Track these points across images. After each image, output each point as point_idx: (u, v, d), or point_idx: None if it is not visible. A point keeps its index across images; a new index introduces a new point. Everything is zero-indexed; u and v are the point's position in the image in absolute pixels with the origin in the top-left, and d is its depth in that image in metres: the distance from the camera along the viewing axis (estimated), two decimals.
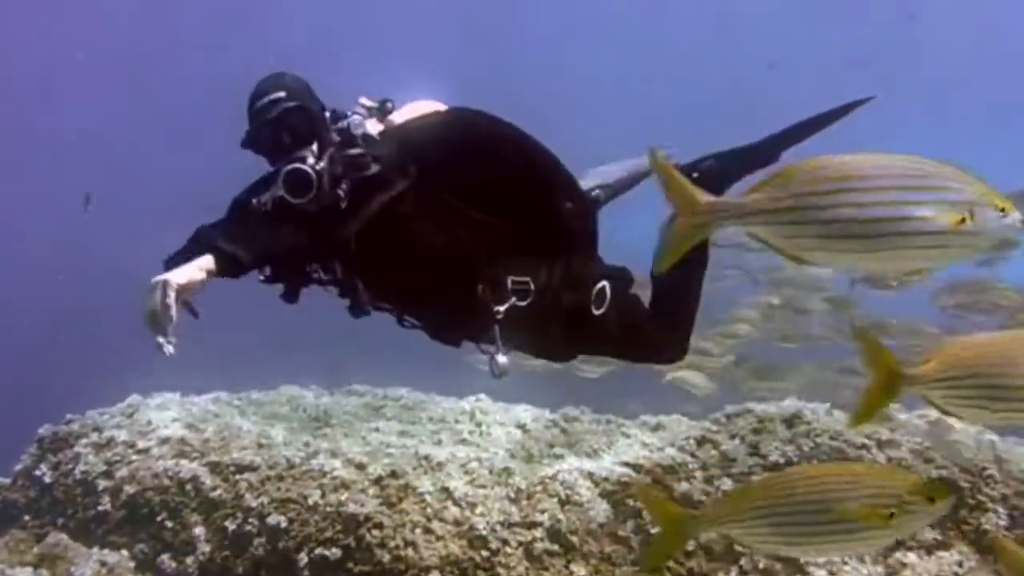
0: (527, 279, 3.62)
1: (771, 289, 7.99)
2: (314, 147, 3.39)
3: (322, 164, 3.34)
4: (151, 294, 2.86)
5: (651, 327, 4.00)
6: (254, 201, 3.38)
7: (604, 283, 3.75)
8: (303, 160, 3.33)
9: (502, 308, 3.56)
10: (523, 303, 3.58)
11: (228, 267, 3.18)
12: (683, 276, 3.95)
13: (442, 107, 3.85)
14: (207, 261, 3.09)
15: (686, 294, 4.09)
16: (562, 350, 4.07)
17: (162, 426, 5.52)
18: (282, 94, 3.42)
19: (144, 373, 6.03)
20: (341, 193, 3.35)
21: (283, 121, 3.39)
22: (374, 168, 3.40)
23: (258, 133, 3.40)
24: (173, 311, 2.84)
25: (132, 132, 23.21)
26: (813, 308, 7.47)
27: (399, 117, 3.66)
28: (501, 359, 3.62)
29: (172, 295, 2.85)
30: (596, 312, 3.72)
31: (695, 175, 4.10)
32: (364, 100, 3.60)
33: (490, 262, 3.59)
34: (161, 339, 2.80)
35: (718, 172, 4.13)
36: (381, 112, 3.59)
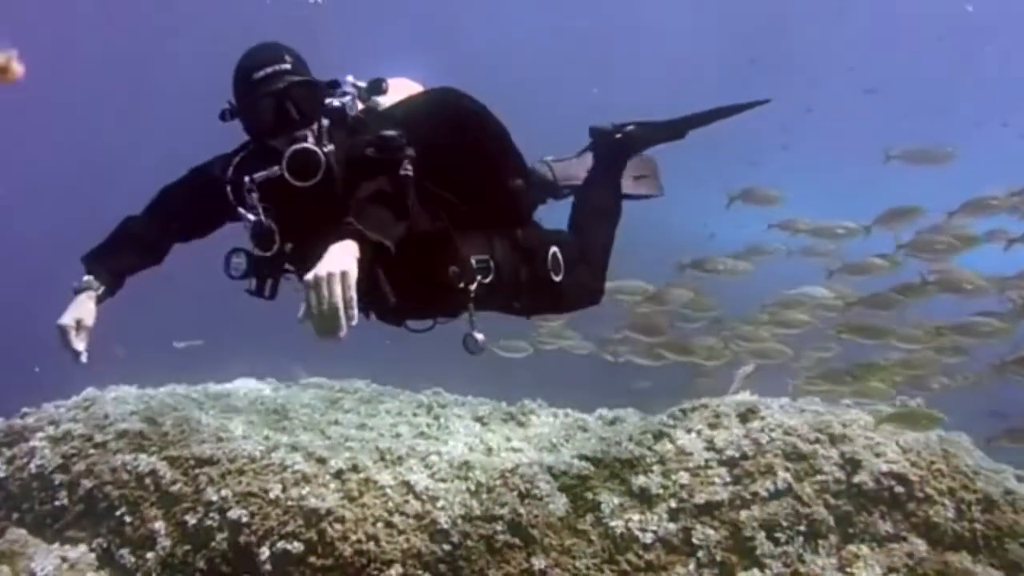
0: (487, 256, 3.73)
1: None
2: (315, 126, 3.40)
3: (329, 147, 3.35)
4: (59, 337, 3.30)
5: (586, 278, 4.25)
6: (247, 179, 3.36)
7: (554, 249, 3.91)
8: (304, 140, 3.34)
9: (473, 286, 3.67)
10: (486, 280, 3.68)
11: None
12: (600, 225, 4.40)
13: (418, 86, 3.90)
14: (90, 295, 3.43)
15: (608, 241, 4.42)
16: (522, 314, 4.23)
17: (120, 419, 5.46)
18: (287, 66, 3.38)
19: (94, 372, 6.00)
20: (338, 175, 3.36)
21: (290, 94, 3.36)
22: (379, 151, 3.39)
23: (258, 105, 3.35)
24: (75, 346, 3.29)
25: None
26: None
27: (384, 97, 3.70)
28: (478, 336, 3.73)
29: (70, 336, 3.29)
30: (556, 279, 3.94)
31: (619, 136, 4.45)
32: (352, 79, 3.60)
33: (459, 242, 3.68)
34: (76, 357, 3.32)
35: (638, 136, 4.55)
36: (372, 92, 3.61)
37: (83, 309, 3.38)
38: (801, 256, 7.53)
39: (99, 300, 3.47)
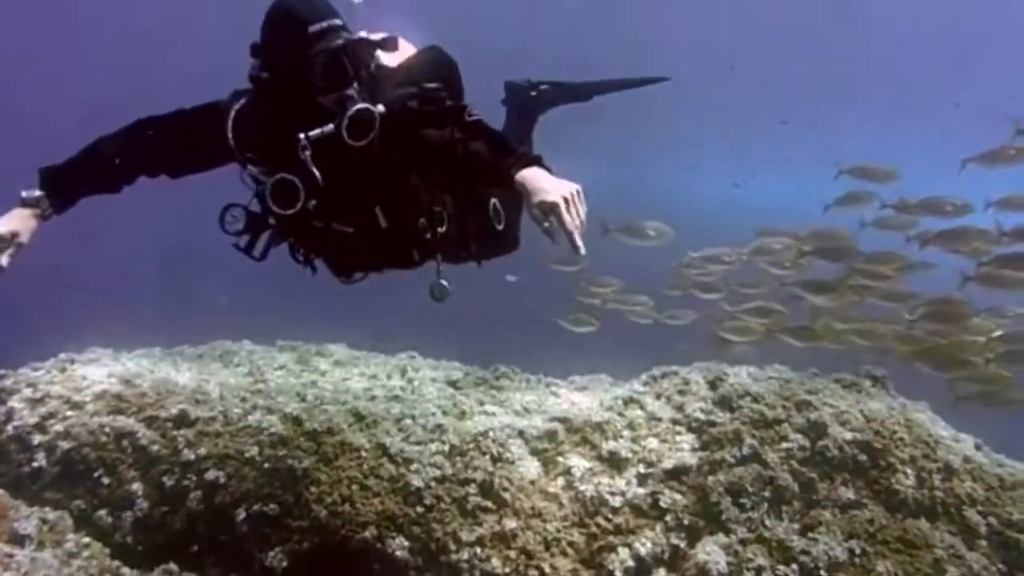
0: (441, 208, 3.84)
1: None
2: (356, 85, 3.47)
3: (379, 107, 3.41)
4: None
5: (515, 226, 4.41)
6: (302, 137, 3.40)
7: (494, 200, 4.01)
8: (354, 98, 3.42)
9: (438, 236, 3.79)
10: (441, 229, 3.79)
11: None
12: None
13: (411, 45, 3.96)
14: (36, 213, 3.43)
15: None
16: (473, 260, 4.37)
17: (97, 381, 5.48)
18: (339, 21, 3.43)
19: (68, 334, 6.03)
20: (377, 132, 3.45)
21: (346, 51, 3.40)
22: (427, 103, 3.54)
23: (314, 59, 3.36)
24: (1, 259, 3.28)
25: None
26: None
27: (390, 57, 3.75)
28: (444, 282, 3.85)
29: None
30: (499, 228, 4.09)
31: (534, 93, 4.58)
32: (365, 34, 3.61)
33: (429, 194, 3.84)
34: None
35: (550, 95, 4.67)
36: (387, 48, 3.64)
37: (24, 224, 3.36)
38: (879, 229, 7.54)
39: (42, 220, 3.45)
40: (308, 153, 3.43)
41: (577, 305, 8.23)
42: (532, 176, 3.12)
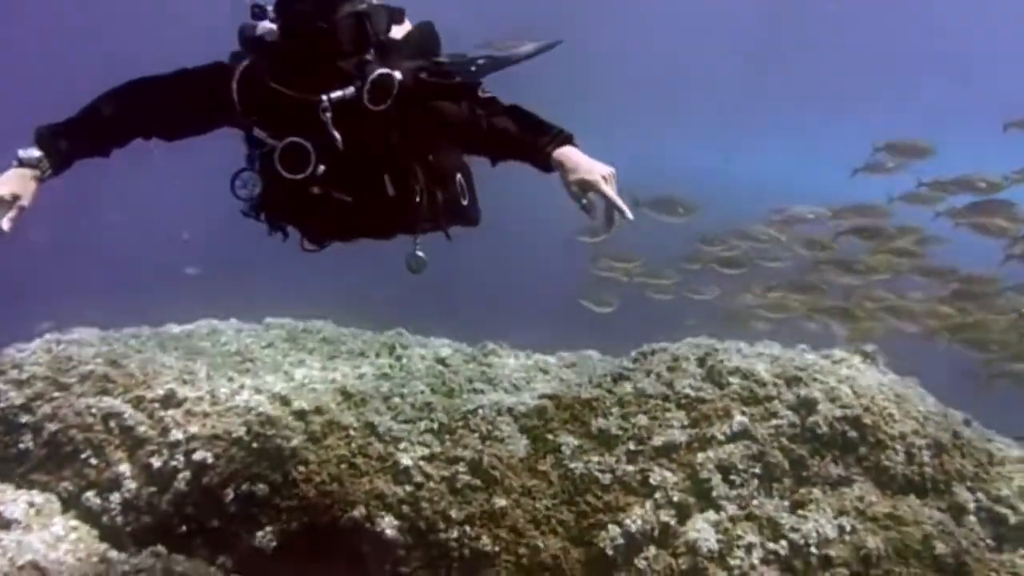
0: (429, 179, 3.88)
1: None
2: (371, 51, 3.48)
3: (399, 75, 3.44)
4: None
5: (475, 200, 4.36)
6: (324, 98, 3.38)
7: (459, 175, 4.04)
8: (374, 63, 3.43)
9: (432, 206, 3.83)
10: (419, 201, 3.79)
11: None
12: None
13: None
14: (36, 175, 3.27)
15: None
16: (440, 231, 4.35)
17: (83, 362, 5.46)
18: None
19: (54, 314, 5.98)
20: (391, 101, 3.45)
21: (371, 16, 3.41)
22: (439, 76, 3.57)
23: (340, 22, 3.35)
24: (3, 224, 3.11)
25: None
26: None
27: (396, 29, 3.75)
28: (420, 254, 3.88)
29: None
30: (464, 203, 4.09)
31: (473, 68, 4.62)
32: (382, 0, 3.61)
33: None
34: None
35: (488, 67, 4.71)
36: (394, 19, 3.65)
37: (24, 186, 3.23)
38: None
39: (40, 182, 3.31)
40: (329, 115, 3.41)
41: (595, 282, 8.22)
42: (569, 154, 3.33)
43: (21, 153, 3.29)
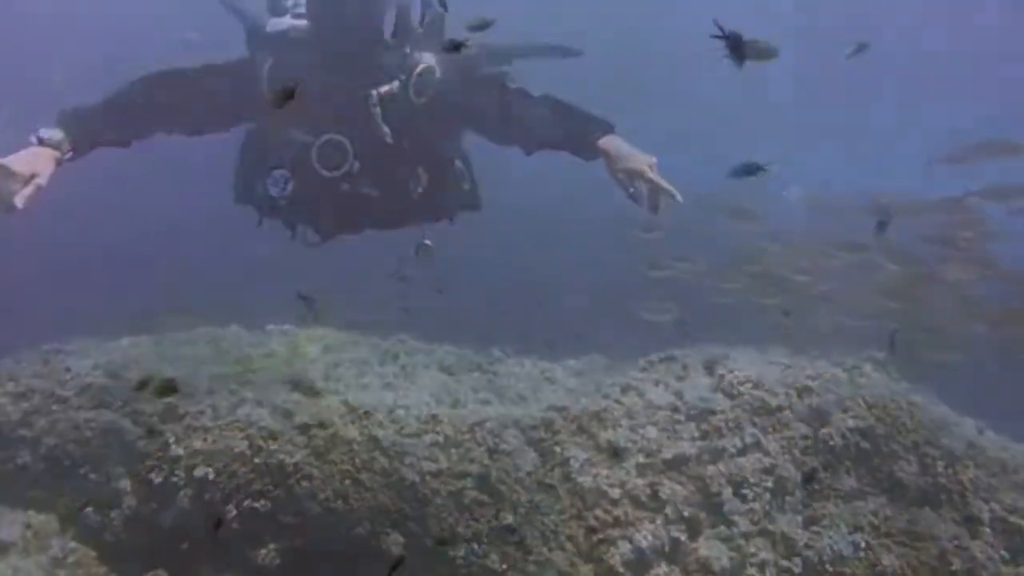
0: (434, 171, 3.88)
1: None
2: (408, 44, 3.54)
3: (439, 71, 3.52)
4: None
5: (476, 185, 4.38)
6: (373, 93, 3.40)
7: (458, 162, 4.03)
8: (410, 57, 3.51)
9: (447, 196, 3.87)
10: (421, 190, 3.78)
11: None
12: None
13: None
14: (56, 156, 3.19)
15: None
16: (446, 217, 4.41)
17: (82, 374, 5.37)
18: None
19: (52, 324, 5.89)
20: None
21: (408, 10, 3.45)
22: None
23: (383, 18, 3.39)
24: (16, 200, 2.94)
25: None
26: None
27: None
28: (428, 243, 3.88)
29: (15, 186, 2.94)
30: (465, 188, 4.14)
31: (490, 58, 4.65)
32: None
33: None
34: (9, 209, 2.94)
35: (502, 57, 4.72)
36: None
37: (43, 165, 3.11)
38: None
39: (59, 164, 3.23)
40: (377, 110, 3.39)
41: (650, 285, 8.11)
42: (614, 143, 3.39)
43: (43, 132, 3.22)
